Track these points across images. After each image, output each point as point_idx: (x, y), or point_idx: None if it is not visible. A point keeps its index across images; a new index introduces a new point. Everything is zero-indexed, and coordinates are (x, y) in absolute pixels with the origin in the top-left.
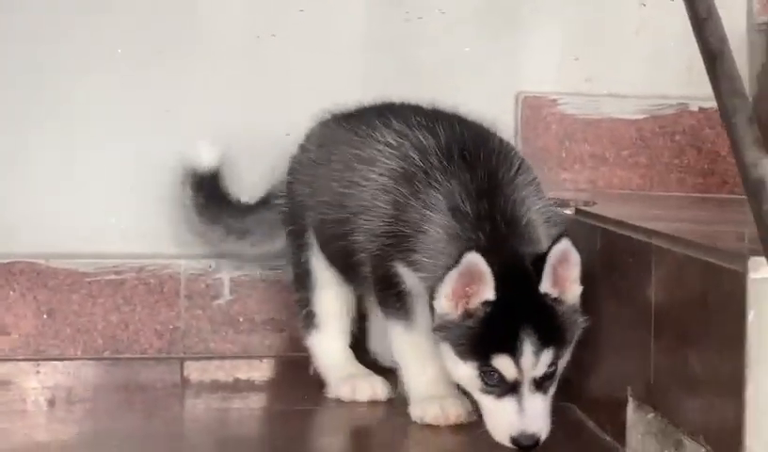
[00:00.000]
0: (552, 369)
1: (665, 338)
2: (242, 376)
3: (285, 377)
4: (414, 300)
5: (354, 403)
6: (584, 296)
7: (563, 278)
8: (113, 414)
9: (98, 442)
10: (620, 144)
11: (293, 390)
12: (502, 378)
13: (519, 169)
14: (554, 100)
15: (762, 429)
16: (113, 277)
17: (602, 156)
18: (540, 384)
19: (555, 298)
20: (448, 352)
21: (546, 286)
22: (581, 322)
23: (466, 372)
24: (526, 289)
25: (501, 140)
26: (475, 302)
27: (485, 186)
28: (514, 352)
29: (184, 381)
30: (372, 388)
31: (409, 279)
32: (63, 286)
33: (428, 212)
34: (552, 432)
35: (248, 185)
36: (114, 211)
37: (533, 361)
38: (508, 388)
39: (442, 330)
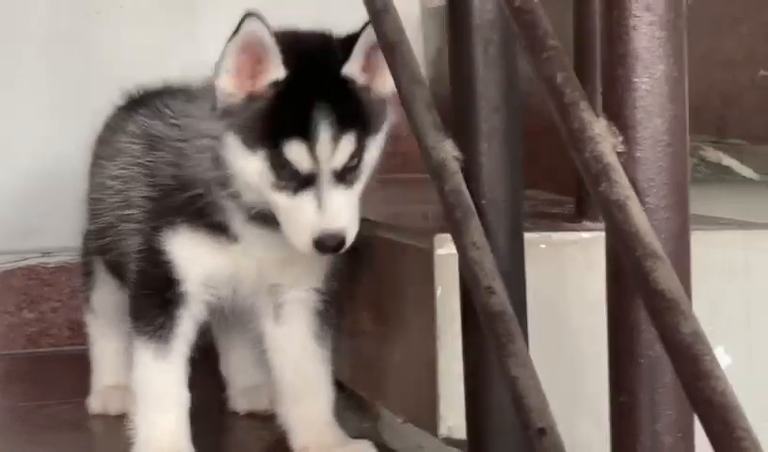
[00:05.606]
0: (354, 162)
1: (364, 321)
2: None
3: None
4: (182, 307)
5: None
6: None
7: (374, 64)
8: None
9: None
10: None
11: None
12: (295, 169)
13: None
14: None
15: (454, 398)
16: None
17: None
18: (342, 177)
19: (362, 86)
20: (234, 143)
21: (352, 69)
22: (390, 115)
23: (255, 166)
24: (325, 68)
25: None
26: (262, 84)
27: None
28: (307, 137)
29: None
30: None
31: (184, 241)
32: None
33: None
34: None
35: None
36: None
37: (330, 148)
38: (304, 181)
39: (227, 116)
